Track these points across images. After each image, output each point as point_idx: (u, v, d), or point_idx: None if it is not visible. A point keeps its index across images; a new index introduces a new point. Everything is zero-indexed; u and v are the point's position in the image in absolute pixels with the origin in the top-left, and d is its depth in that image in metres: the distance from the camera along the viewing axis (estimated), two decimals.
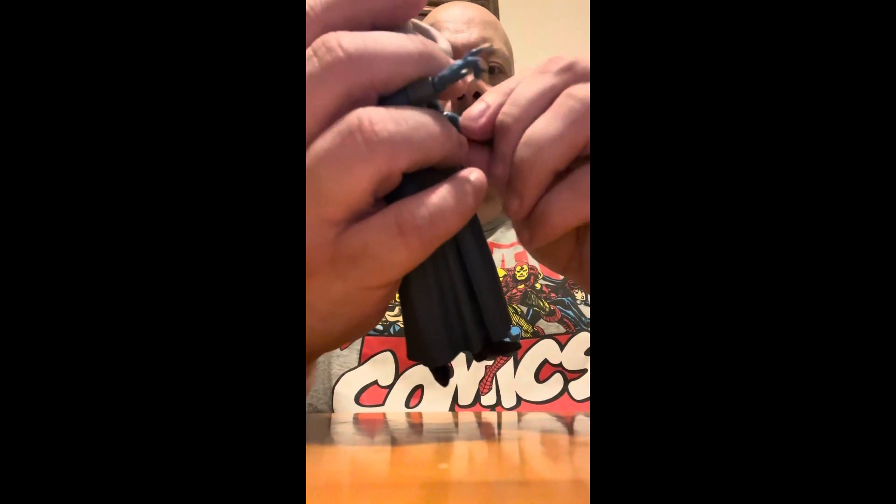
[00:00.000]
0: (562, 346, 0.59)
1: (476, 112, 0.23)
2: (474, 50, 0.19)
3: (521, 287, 0.62)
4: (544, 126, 0.22)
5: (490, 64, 0.64)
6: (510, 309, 0.61)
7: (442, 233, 0.18)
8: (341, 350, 0.59)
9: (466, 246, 0.21)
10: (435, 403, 0.57)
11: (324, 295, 0.20)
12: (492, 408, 0.57)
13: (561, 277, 0.63)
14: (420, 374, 0.58)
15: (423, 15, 0.71)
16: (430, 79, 0.19)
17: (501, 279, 0.63)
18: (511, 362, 0.59)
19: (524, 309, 0.60)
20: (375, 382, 0.58)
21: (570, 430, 0.24)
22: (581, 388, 0.58)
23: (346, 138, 0.17)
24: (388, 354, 0.58)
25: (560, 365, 0.58)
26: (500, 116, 0.23)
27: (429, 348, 0.20)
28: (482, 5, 0.71)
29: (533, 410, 0.57)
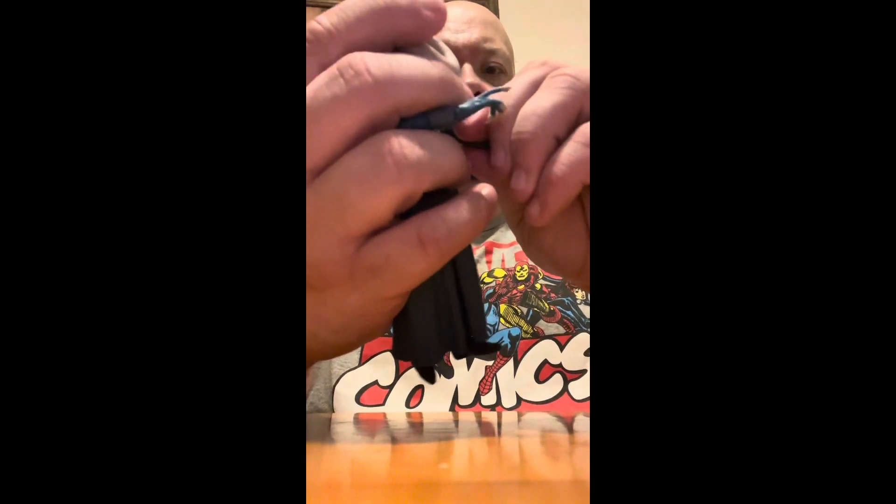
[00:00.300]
0: (562, 347, 0.59)
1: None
2: (496, 89, 0.20)
3: (521, 287, 0.62)
4: (537, 99, 0.23)
5: (490, 64, 0.63)
6: (511, 309, 0.61)
7: (458, 245, 0.19)
8: None
9: (463, 260, 0.21)
10: (435, 403, 0.57)
11: (338, 308, 0.20)
12: (492, 408, 0.57)
13: (561, 277, 0.63)
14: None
15: None
16: (452, 109, 0.19)
17: (502, 279, 0.63)
18: (511, 363, 0.59)
19: (524, 309, 0.60)
20: (376, 382, 0.58)
21: (570, 429, 0.24)
22: (581, 389, 0.58)
23: (377, 160, 0.18)
24: (389, 355, 0.58)
25: (560, 365, 0.58)
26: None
27: (419, 348, 0.21)
28: (482, 4, 0.71)
29: (533, 411, 0.57)
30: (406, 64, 0.18)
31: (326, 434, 0.24)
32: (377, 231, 0.19)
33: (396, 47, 0.20)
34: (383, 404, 0.57)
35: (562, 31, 1.71)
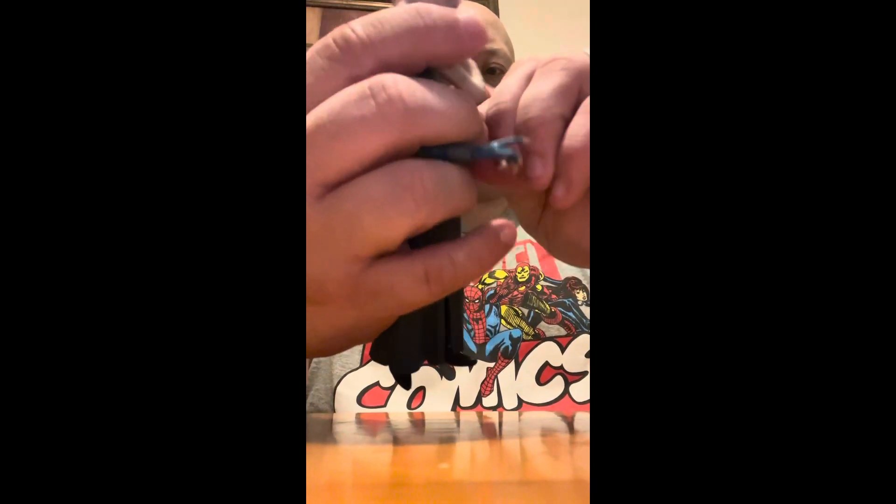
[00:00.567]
0: (563, 349, 0.59)
1: None
2: (513, 139, 0.20)
3: (521, 289, 0.62)
4: (535, 86, 0.22)
5: (491, 65, 0.64)
6: (512, 311, 0.61)
7: (464, 284, 0.19)
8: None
9: None
10: (437, 405, 0.57)
11: (333, 323, 0.21)
12: (493, 409, 0.57)
13: (562, 278, 0.63)
14: (422, 375, 0.58)
15: None
16: (470, 148, 0.19)
17: (503, 280, 0.63)
18: (512, 364, 0.59)
19: (525, 311, 0.60)
20: (377, 383, 0.58)
21: (571, 429, 0.24)
22: (582, 391, 0.58)
23: (396, 189, 0.17)
24: None
25: (561, 367, 0.58)
26: (488, 111, 0.23)
27: (401, 357, 0.21)
28: (482, 4, 0.71)
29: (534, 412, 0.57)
30: (439, 96, 0.18)
31: (328, 434, 0.24)
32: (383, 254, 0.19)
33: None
34: (385, 405, 0.57)
35: (562, 30, 1.71)
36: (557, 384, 0.57)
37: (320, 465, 0.15)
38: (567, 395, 0.57)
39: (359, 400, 0.57)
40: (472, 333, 0.59)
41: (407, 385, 0.24)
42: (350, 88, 0.18)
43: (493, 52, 0.63)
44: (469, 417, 0.33)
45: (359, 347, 0.59)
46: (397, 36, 0.18)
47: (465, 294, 0.60)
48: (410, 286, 0.19)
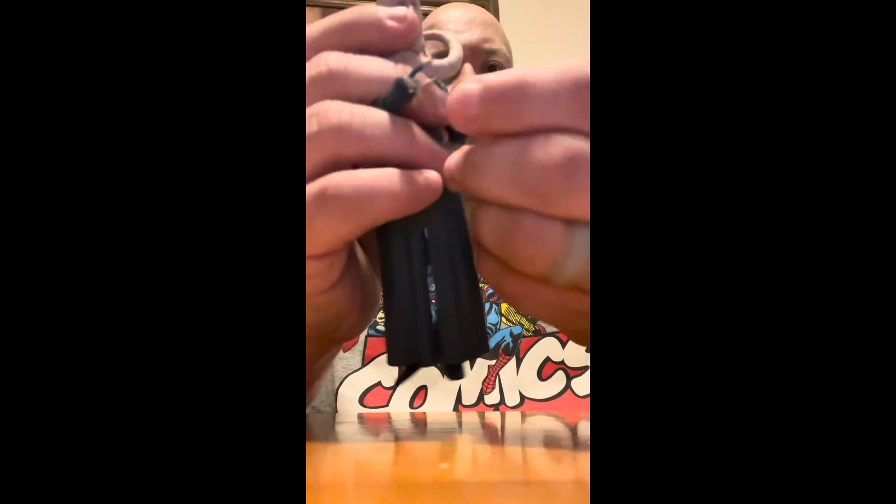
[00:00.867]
0: (563, 344, 0.59)
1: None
2: (416, 69, 0.20)
3: None
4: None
5: (490, 63, 0.64)
6: (512, 308, 0.61)
7: (368, 211, 0.19)
8: (344, 352, 0.59)
9: (439, 267, 0.21)
10: (439, 404, 0.57)
11: None
12: (495, 407, 0.57)
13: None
14: (424, 374, 0.58)
15: (425, 15, 0.71)
16: (389, 92, 0.20)
17: None
18: (514, 361, 0.59)
19: None
20: (379, 384, 0.58)
21: (573, 430, 0.24)
22: (584, 385, 0.58)
23: (322, 202, 0.19)
24: None
25: (562, 362, 0.59)
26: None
27: (388, 348, 0.22)
28: (482, 5, 0.71)
29: (536, 408, 0.57)
30: (367, 119, 0.19)
31: (330, 433, 0.24)
32: None
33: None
34: (387, 405, 0.57)
35: (562, 31, 1.71)
36: (559, 379, 0.58)
37: (321, 465, 0.15)
38: (569, 390, 0.58)
39: (361, 401, 0.57)
40: None
41: (398, 381, 0.24)
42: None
43: (492, 52, 0.63)
44: (471, 417, 0.33)
45: (359, 347, 0.59)
46: (331, 31, 0.21)
47: None
48: (310, 208, 0.19)
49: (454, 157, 0.19)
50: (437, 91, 0.20)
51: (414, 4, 0.22)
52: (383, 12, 0.21)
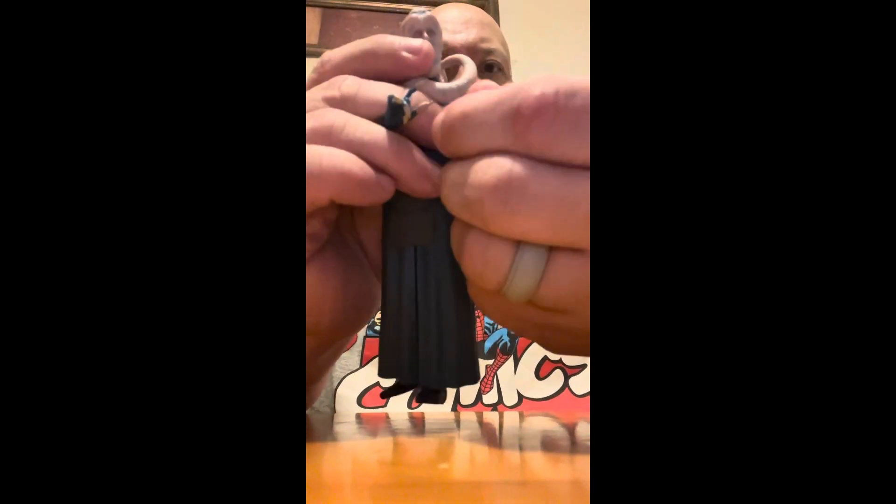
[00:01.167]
0: None
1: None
2: (410, 90, 0.22)
3: None
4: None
5: (488, 61, 0.64)
6: None
7: (316, 182, 0.20)
8: (343, 352, 0.59)
9: (425, 288, 0.21)
10: (437, 405, 0.57)
11: None
12: (494, 406, 0.57)
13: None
14: None
15: None
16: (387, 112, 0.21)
17: None
18: (511, 361, 0.59)
19: None
20: (377, 384, 0.58)
21: (571, 431, 0.24)
22: (582, 384, 0.58)
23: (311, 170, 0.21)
24: None
25: (560, 361, 0.59)
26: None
27: (378, 360, 0.22)
28: (482, 6, 0.71)
29: (535, 408, 0.57)
30: (370, 133, 0.21)
31: (328, 433, 0.24)
32: None
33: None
34: (385, 405, 0.57)
35: (562, 31, 1.71)
36: (557, 378, 0.58)
37: (320, 464, 0.15)
38: (567, 389, 0.58)
39: (359, 401, 0.57)
40: None
41: (388, 395, 0.24)
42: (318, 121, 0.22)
43: (489, 52, 0.64)
44: (469, 417, 0.33)
45: (358, 348, 0.59)
46: (352, 57, 0.23)
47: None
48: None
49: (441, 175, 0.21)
50: (437, 111, 0.21)
51: (432, 33, 0.23)
52: (400, 44, 0.22)
